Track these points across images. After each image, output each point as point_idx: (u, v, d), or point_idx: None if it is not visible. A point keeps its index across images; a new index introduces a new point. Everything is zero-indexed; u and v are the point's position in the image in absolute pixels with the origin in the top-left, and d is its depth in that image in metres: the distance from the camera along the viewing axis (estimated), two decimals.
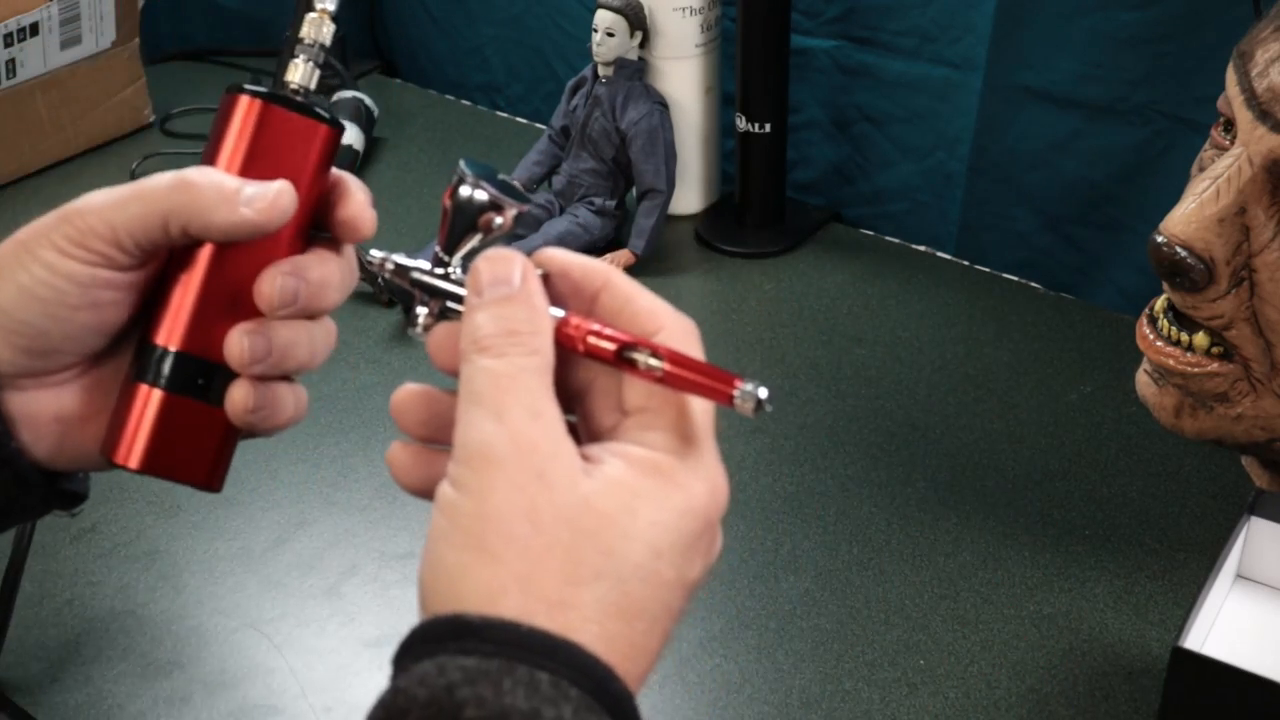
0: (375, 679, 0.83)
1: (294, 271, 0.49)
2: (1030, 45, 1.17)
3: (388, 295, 1.14)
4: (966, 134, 1.23)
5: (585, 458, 0.42)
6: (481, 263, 0.45)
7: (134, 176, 1.38)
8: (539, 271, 0.45)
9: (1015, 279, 1.20)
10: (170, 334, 0.49)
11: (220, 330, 0.49)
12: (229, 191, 0.48)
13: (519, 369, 0.42)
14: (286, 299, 0.49)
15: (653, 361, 0.42)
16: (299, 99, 0.50)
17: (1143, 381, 0.85)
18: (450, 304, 0.47)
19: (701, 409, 0.44)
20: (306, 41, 0.52)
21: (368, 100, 1.40)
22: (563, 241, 1.20)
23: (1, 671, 0.83)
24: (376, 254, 0.48)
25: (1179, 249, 0.76)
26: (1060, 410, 1.03)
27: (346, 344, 1.13)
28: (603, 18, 1.19)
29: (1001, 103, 1.20)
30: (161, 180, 0.49)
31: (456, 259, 0.47)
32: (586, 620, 0.40)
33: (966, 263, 1.23)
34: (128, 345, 0.52)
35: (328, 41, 0.52)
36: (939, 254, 1.25)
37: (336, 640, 0.86)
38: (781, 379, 1.08)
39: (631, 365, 0.43)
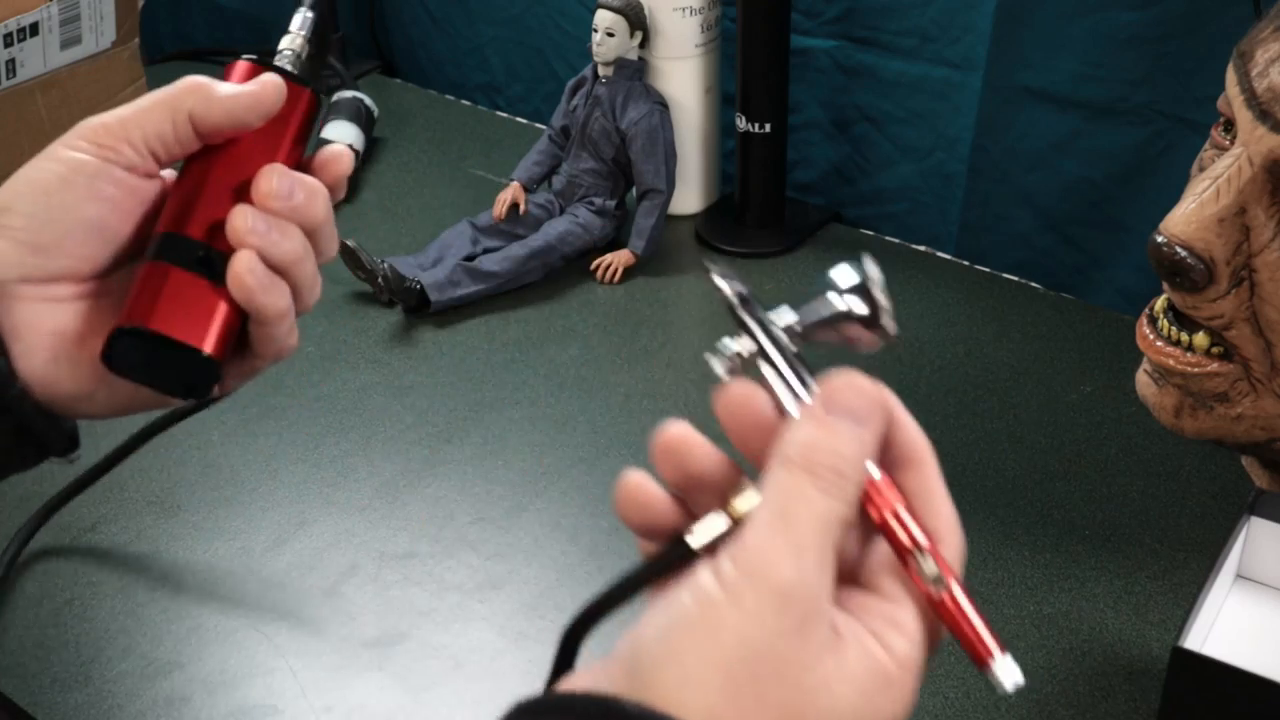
0: (375, 679, 0.83)
1: (291, 175, 0.54)
2: (1030, 45, 1.17)
3: (388, 295, 1.14)
4: (966, 134, 1.23)
5: (835, 629, 0.41)
6: (845, 384, 0.43)
7: None
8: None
9: (1015, 279, 1.20)
10: (179, 221, 0.54)
11: (219, 220, 0.54)
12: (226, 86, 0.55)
13: (832, 513, 0.41)
14: (283, 191, 0.53)
15: (934, 584, 0.41)
16: (290, 69, 0.59)
17: (1143, 381, 0.85)
18: (768, 366, 0.45)
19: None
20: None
21: (368, 100, 1.40)
22: (563, 241, 1.20)
23: (1, 671, 0.83)
24: (718, 273, 0.48)
25: (1179, 249, 0.76)
26: (1060, 410, 1.03)
27: (346, 344, 1.13)
28: (603, 18, 1.19)
29: (1001, 103, 1.20)
30: (167, 86, 0.54)
31: (794, 321, 0.46)
32: None
33: (966, 263, 1.23)
34: (127, 273, 0.54)
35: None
36: (939, 254, 1.25)
37: (336, 640, 0.86)
38: None
39: (910, 562, 0.42)
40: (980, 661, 0.42)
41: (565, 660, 0.46)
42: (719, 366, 0.45)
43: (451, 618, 0.87)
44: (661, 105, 1.21)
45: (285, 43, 0.61)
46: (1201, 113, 1.09)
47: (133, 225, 0.54)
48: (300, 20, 0.63)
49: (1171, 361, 0.81)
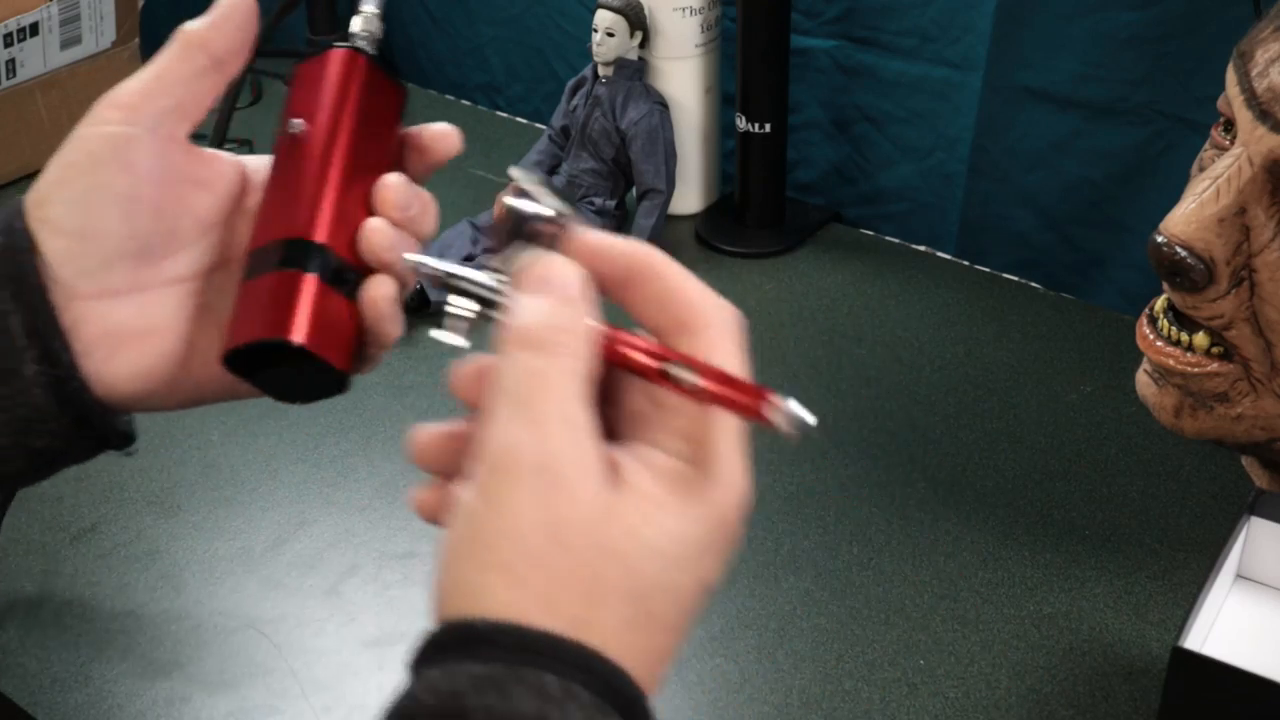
0: (375, 679, 0.83)
1: (410, 184, 0.53)
2: (1030, 45, 1.17)
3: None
4: (966, 134, 1.23)
5: (610, 463, 0.42)
6: (533, 262, 0.44)
7: None
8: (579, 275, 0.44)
9: (1015, 279, 1.20)
10: (312, 229, 0.51)
11: (348, 232, 0.52)
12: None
13: (556, 368, 0.41)
14: (405, 201, 0.52)
15: (688, 376, 0.42)
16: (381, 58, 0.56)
17: (1143, 381, 0.85)
18: (489, 310, 0.46)
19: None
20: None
21: None
22: None
23: (1, 671, 0.83)
24: (411, 258, 0.49)
25: (1179, 249, 0.76)
26: (1060, 410, 1.03)
27: None
28: (603, 18, 1.19)
29: (1001, 103, 1.20)
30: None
31: (499, 264, 0.47)
32: (606, 635, 0.40)
33: (966, 263, 1.23)
34: (185, 272, 0.53)
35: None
36: (939, 254, 1.25)
37: (336, 640, 0.86)
38: (781, 379, 1.08)
39: (666, 379, 0.42)
40: (758, 414, 0.42)
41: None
42: (448, 338, 0.46)
43: None
44: (661, 105, 1.21)
45: (359, 24, 0.56)
46: (1201, 113, 1.09)
47: (176, 199, 0.52)
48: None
49: (1171, 361, 0.81)
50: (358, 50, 0.55)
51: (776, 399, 0.42)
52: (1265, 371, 0.79)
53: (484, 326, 0.45)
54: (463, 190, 1.32)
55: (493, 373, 0.42)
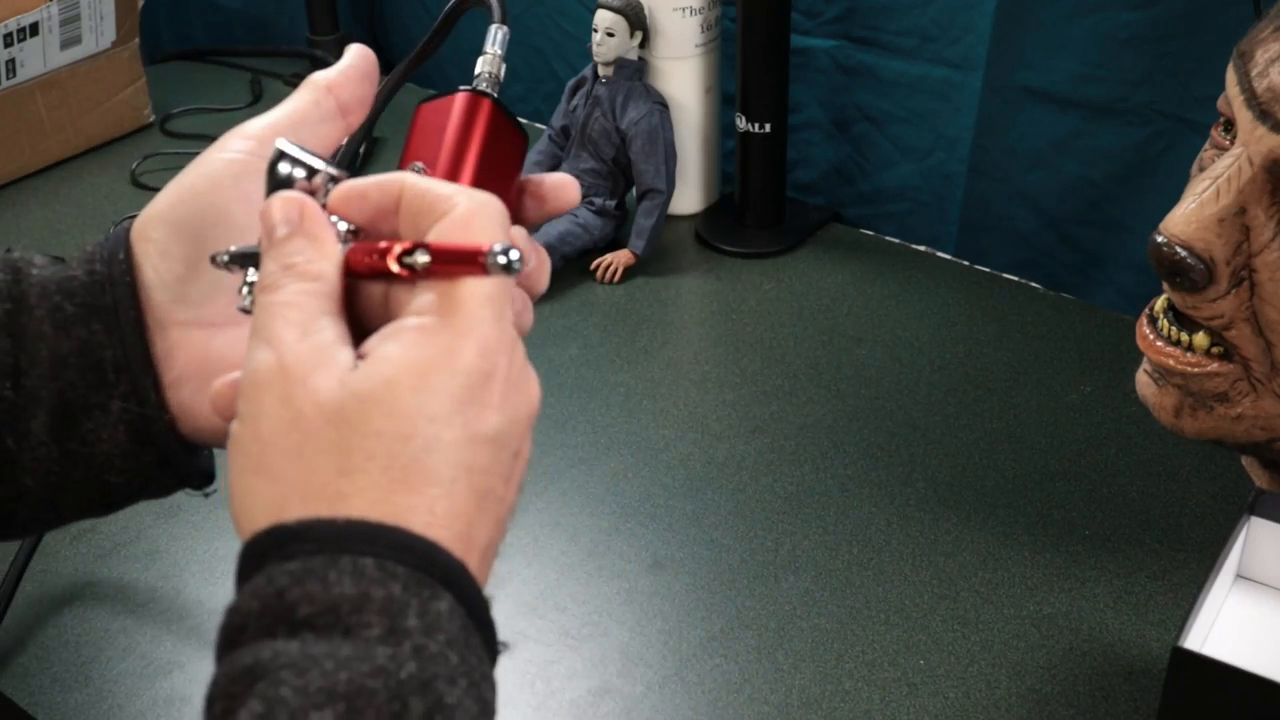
0: None
1: (529, 240, 0.52)
2: (1030, 45, 1.17)
3: None
4: (966, 134, 1.23)
5: (361, 355, 0.42)
6: (264, 208, 0.45)
7: (134, 176, 1.39)
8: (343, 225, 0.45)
9: (1015, 279, 1.20)
10: None
11: None
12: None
13: (293, 294, 0.43)
14: (526, 257, 0.51)
15: (420, 256, 0.42)
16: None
17: (1143, 381, 0.85)
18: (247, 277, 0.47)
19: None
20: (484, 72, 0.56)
21: None
22: (563, 241, 1.20)
23: (1, 671, 0.83)
24: (215, 254, 0.49)
25: (1179, 249, 0.76)
26: (1060, 410, 1.03)
27: None
28: (603, 18, 1.19)
29: (1001, 103, 1.20)
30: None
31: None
32: (369, 503, 0.40)
33: (966, 263, 1.23)
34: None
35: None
36: (939, 254, 1.25)
37: None
38: (781, 379, 1.08)
39: (408, 269, 0.43)
40: (478, 266, 0.42)
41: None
42: (246, 303, 0.46)
43: None
44: (661, 105, 1.21)
45: (482, 65, 0.56)
46: (1201, 113, 1.09)
47: None
48: (495, 37, 0.58)
49: (1171, 361, 0.81)
50: (482, 94, 0.54)
51: (491, 248, 0.42)
52: (1265, 371, 0.79)
53: None
54: None
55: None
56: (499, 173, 0.53)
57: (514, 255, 0.42)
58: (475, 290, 0.43)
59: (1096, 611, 0.85)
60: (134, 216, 0.51)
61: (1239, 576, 0.83)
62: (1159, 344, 0.82)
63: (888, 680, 0.81)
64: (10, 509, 0.50)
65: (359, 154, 1.37)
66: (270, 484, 0.41)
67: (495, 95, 0.54)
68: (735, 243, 1.26)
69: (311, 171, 0.47)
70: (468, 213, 0.44)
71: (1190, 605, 0.75)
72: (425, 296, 0.43)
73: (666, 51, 1.23)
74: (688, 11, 1.22)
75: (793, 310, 1.16)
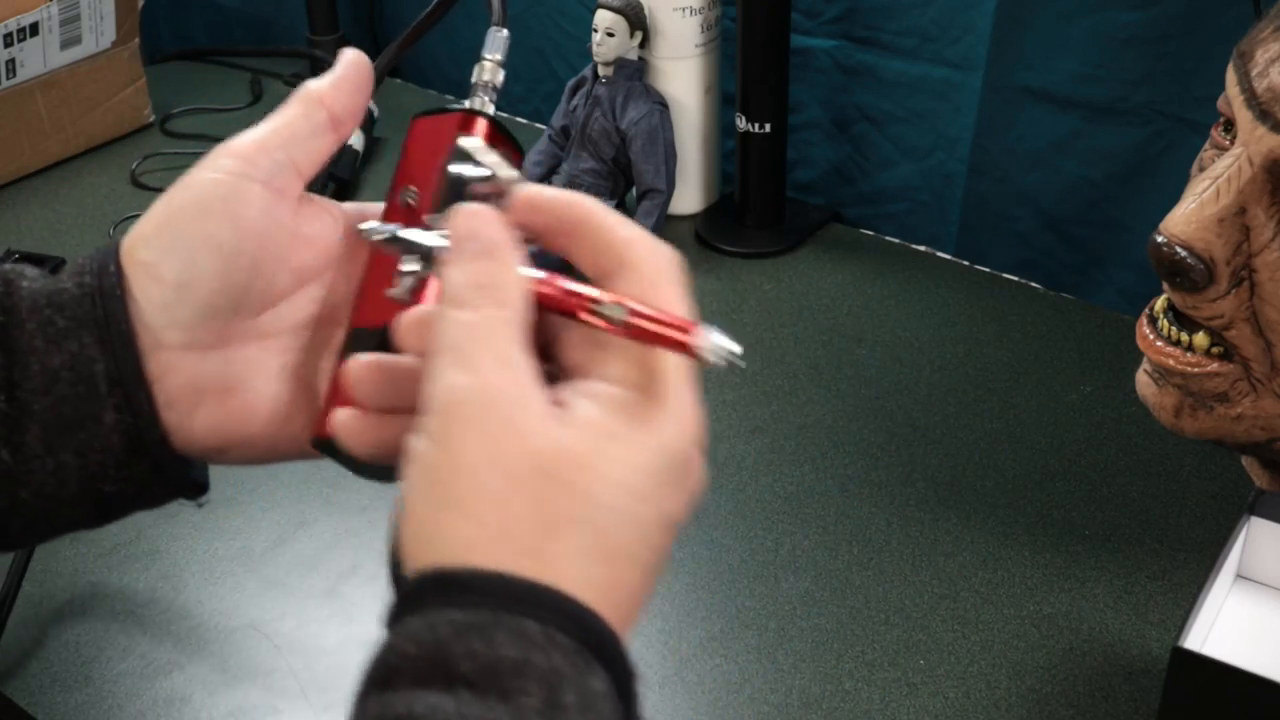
0: None
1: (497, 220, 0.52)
2: (1030, 45, 1.17)
3: None
4: (966, 134, 1.23)
5: (556, 402, 0.42)
6: (457, 219, 0.44)
7: (134, 176, 1.39)
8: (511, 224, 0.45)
9: (1015, 279, 1.20)
10: None
11: None
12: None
13: (488, 319, 0.42)
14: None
15: (618, 314, 0.42)
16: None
17: (1143, 381, 0.85)
18: (431, 261, 0.47)
19: None
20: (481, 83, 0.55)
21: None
22: None
23: (1, 671, 0.83)
24: (364, 226, 0.49)
25: (1179, 249, 0.76)
26: (1060, 410, 1.03)
27: None
28: (603, 18, 1.19)
29: (1001, 103, 1.20)
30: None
31: (438, 223, 0.48)
32: (566, 568, 0.40)
33: (966, 263, 1.23)
34: (276, 327, 0.52)
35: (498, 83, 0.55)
36: (939, 254, 1.25)
37: (336, 640, 0.86)
38: (781, 379, 1.08)
39: (599, 317, 0.43)
40: (685, 346, 0.42)
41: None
42: (402, 295, 0.47)
43: None
44: (661, 105, 1.21)
45: (479, 74, 0.55)
46: (1201, 113, 1.09)
47: (278, 255, 0.51)
48: (494, 42, 0.56)
49: (1171, 361, 0.81)
50: (476, 113, 0.53)
51: (701, 329, 0.42)
52: (1265, 371, 0.79)
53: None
54: None
55: (432, 330, 0.43)
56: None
57: (734, 350, 0.42)
58: (680, 370, 0.43)
59: (1096, 611, 0.85)
60: (132, 216, 0.51)
61: (1239, 576, 0.83)
62: (1159, 344, 0.82)
63: (888, 680, 0.81)
64: (4, 521, 0.50)
65: (359, 156, 1.37)
66: (466, 522, 0.40)
67: (490, 112, 0.54)
68: (735, 243, 1.26)
69: (491, 175, 0.46)
70: (655, 273, 0.44)
71: (1190, 605, 0.75)
72: (623, 364, 0.43)
73: (666, 51, 1.23)
74: (688, 11, 1.22)
75: (793, 310, 1.16)
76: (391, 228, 0.48)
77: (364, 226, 0.49)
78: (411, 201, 0.51)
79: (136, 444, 0.50)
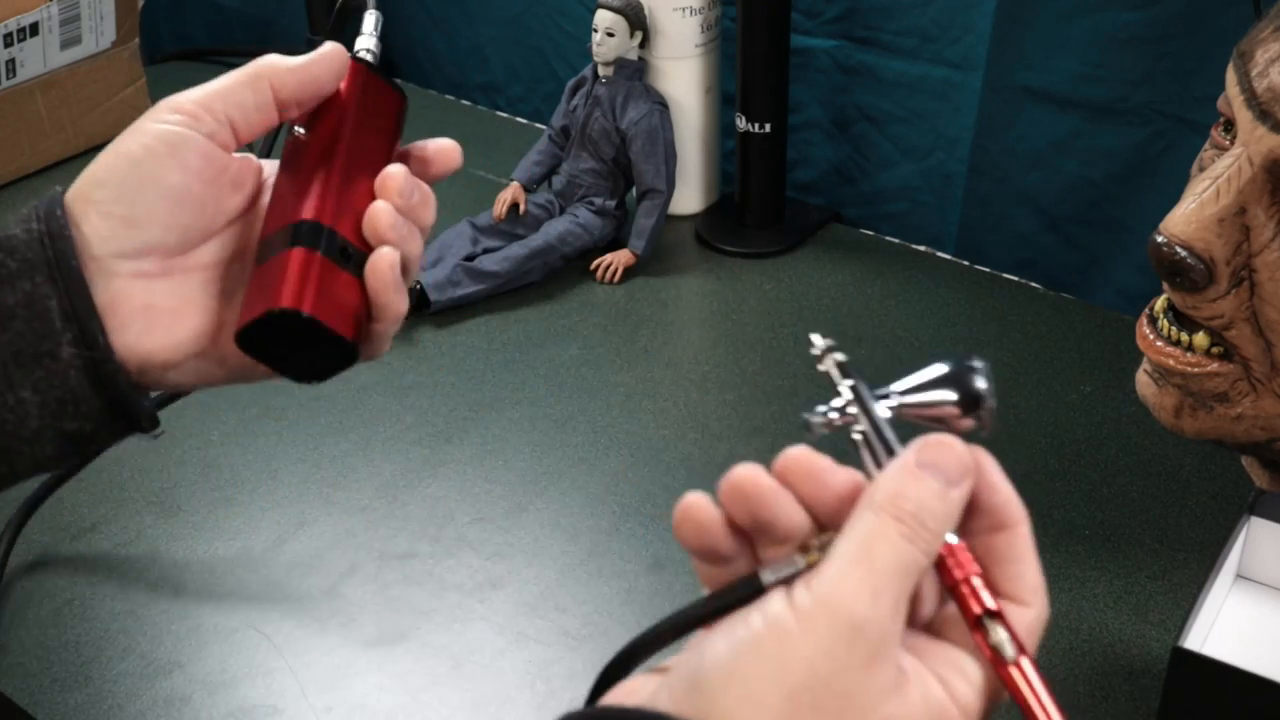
0: (375, 679, 0.83)
1: (410, 176, 0.57)
2: (1030, 45, 1.17)
3: None
4: (966, 134, 1.23)
5: (900, 669, 0.42)
6: (938, 442, 0.44)
7: None
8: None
9: (1015, 279, 1.20)
10: (318, 212, 0.55)
11: (353, 215, 0.56)
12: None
13: (912, 560, 0.41)
14: (406, 187, 0.56)
15: (1004, 649, 0.42)
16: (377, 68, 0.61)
17: (1143, 381, 0.85)
18: (862, 431, 0.46)
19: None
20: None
21: None
22: (563, 241, 1.20)
23: (1, 671, 0.83)
24: (818, 341, 0.50)
25: (1179, 249, 0.76)
26: (1060, 410, 1.03)
27: None
28: (603, 18, 1.19)
29: (1001, 103, 1.20)
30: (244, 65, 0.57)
31: (897, 397, 0.47)
32: None
33: (966, 263, 1.23)
34: (209, 260, 0.56)
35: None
36: (939, 254, 1.25)
37: (336, 640, 0.86)
38: (781, 379, 1.08)
39: (980, 631, 0.42)
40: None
41: (604, 688, 0.45)
42: (816, 425, 0.47)
43: (451, 618, 0.87)
44: (661, 105, 1.21)
45: (362, 43, 0.61)
46: (1201, 113, 1.09)
47: (217, 197, 0.56)
48: (373, 20, 0.63)
49: (1171, 361, 0.81)
50: (356, 59, 0.59)
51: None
52: (1265, 371, 0.79)
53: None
54: (463, 190, 1.32)
55: (856, 518, 0.42)
56: (377, 127, 0.59)
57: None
58: (986, 684, 0.43)
59: (1096, 611, 0.85)
60: (59, 188, 0.54)
61: (1239, 576, 0.83)
62: (1159, 344, 0.82)
63: None
64: None
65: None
66: (781, 713, 0.39)
67: (370, 60, 0.60)
68: (735, 243, 1.26)
69: (982, 416, 0.47)
70: (1030, 623, 0.43)
71: (1190, 605, 0.74)
72: (972, 676, 0.42)
73: (666, 51, 1.23)
74: (688, 11, 1.22)
75: (793, 310, 1.16)
76: (851, 371, 0.48)
77: (817, 340, 0.50)
78: (299, 135, 0.58)
79: (95, 378, 0.52)
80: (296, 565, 0.91)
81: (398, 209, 0.56)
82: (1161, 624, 0.84)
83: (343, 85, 0.58)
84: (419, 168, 0.59)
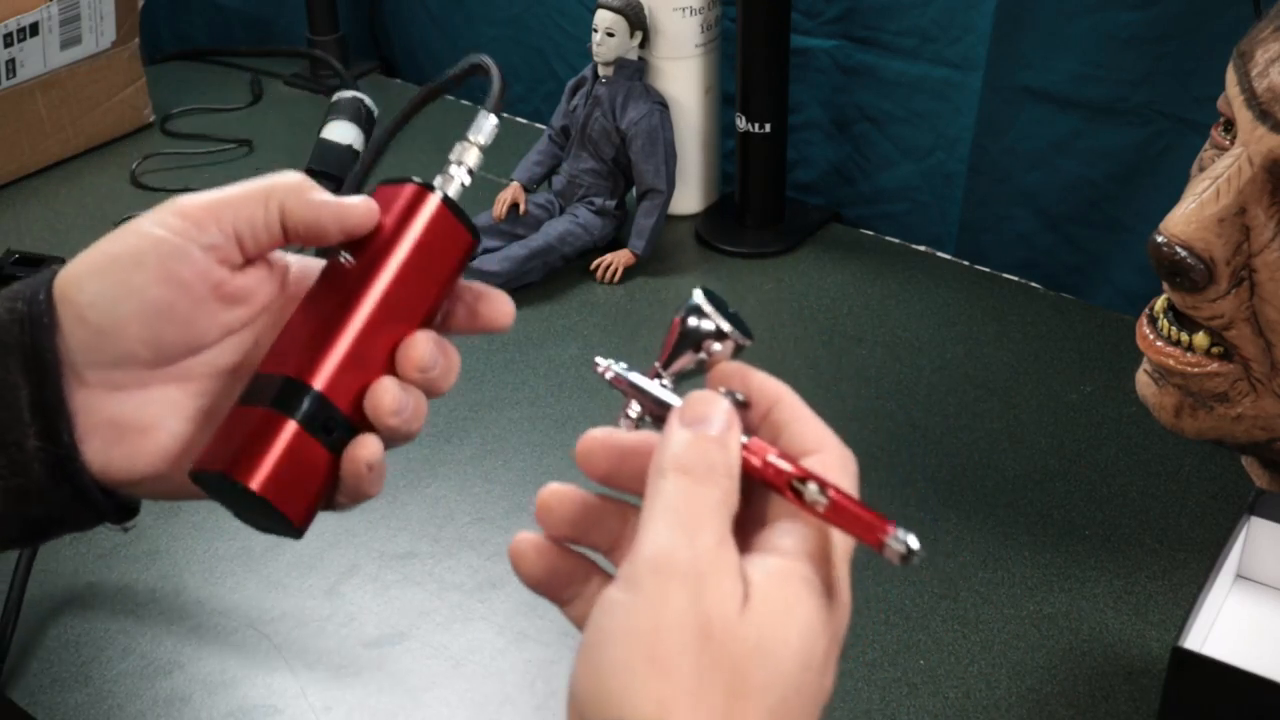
0: (375, 679, 0.83)
1: (439, 343, 0.52)
2: (1030, 45, 1.17)
3: None
4: (966, 134, 1.23)
5: (745, 573, 0.44)
6: (692, 401, 0.47)
7: (134, 176, 1.39)
8: (734, 397, 0.48)
9: (1015, 279, 1.20)
10: (313, 373, 0.50)
11: (355, 383, 0.51)
12: (319, 192, 0.52)
13: (711, 496, 0.44)
14: (429, 363, 0.52)
15: (819, 497, 0.45)
16: (458, 206, 0.54)
17: (1143, 381, 0.85)
18: (655, 413, 0.49)
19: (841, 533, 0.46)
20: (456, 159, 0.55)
21: (368, 100, 1.40)
22: (563, 241, 1.20)
23: (2, 671, 0.83)
24: (601, 361, 0.51)
25: (1179, 249, 0.76)
26: (1060, 410, 1.03)
27: None
28: (603, 18, 1.19)
29: (1001, 103, 1.20)
30: (266, 175, 0.52)
31: (669, 375, 0.50)
32: None
33: (966, 263, 1.23)
34: (198, 371, 0.53)
35: (474, 165, 0.55)
36: (939, 254, 1.25)
37: (336, 640, 0.86)
38: (781, 379, 1.07)
39: (797, 495, 0.45)
40: (877, 543, 0.45)
41: None
42: (624, 427, 0.50)
43: (451, 618, 0.87)
44: (661, 105, 1.21)
45: (455, 175, 0.54)
46: (1201, 113, 1.09)
47: (207, 314, 0.51)
48: (487, 129, 0.55)
49: (1171, 361, 0.81)
50: (433, 190, 0.53)
51: (895, 530, 0.45)
52: (1265, 371, 0.79)
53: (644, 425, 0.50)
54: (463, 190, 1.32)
55: (651, 489, 0.44)
56: (430, 274, 0.53)
57: (917, 549, 0.44)
58: (848, 556, 0.46)
59: (1096, 611, 0.85)
60: (56, 268, 0.51)
61: (1239, 576, 0.83)
62: (1159, 344, 0.82)
63: (888, 680, 0.81)
64: None
65: (357, 155, 1.37)
66: (660, 678, 0.40)
67: (447, 192, 0.53)
68: (735, 243, 1.26)
69: (720, 334, 0.49)
70: (838, 467, 0.47)
71: (1190, 605, 0.74)
72: (798, 536, 0.45)
73: (666, 51, 1.23)
74: (688, 11, 1.22)
75: (793, 310, 1.16)
76: (625, 370, 0.50)
77: (599, 361, 0.51)
78: (343, 262, 0.52)
79: (57, 473, 0.50)
80: (296, 565, 0.91)
81: (412, 382, 0.52)
82: (1161, 624, 0.84)
83: (402, 212, 0.52)
84: (464, 313, 0.54)
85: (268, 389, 0.50)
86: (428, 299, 0.53)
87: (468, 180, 0.54)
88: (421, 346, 0.51)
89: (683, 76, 1.24)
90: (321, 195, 0.52)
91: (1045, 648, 0.83)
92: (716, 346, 0.50)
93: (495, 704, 0.81)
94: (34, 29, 1.34)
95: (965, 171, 1.25)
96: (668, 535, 0.42)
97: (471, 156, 0.55)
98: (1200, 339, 0.80)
